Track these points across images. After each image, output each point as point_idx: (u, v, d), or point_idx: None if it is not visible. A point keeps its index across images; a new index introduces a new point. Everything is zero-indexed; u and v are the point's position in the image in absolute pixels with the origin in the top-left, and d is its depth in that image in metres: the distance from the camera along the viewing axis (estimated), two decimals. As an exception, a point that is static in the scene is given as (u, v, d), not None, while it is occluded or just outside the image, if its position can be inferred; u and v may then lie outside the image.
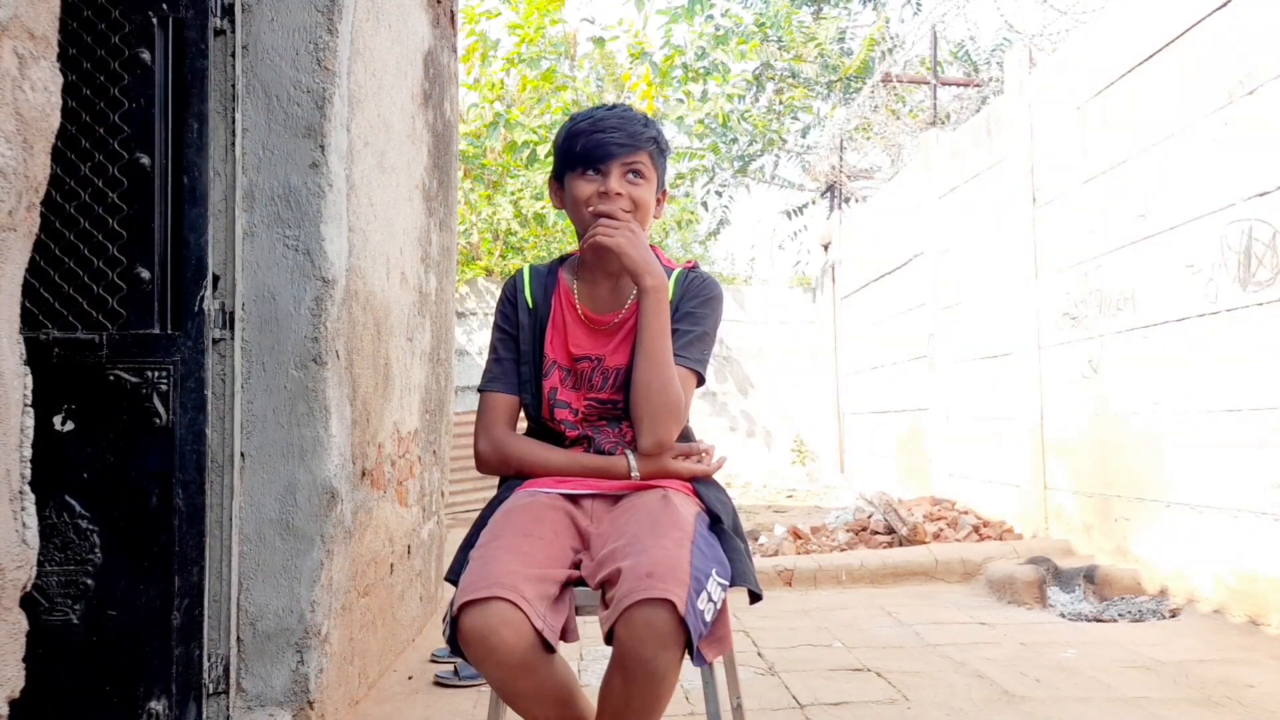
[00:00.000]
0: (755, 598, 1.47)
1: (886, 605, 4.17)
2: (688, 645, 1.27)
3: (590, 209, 1.56)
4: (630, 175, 1.56)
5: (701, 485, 1.61)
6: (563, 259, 1.72)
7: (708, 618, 1.30)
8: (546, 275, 1.68)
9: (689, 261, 1.72)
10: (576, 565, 1.46)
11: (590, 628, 3.69)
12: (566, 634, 1.38)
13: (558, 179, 1.62)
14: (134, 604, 2.09)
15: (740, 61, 11.76)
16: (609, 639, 1.30)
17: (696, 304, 1.63)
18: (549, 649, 1.31)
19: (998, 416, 5.94)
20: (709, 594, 1.33)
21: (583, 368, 1.61)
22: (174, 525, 2.10)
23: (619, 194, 1.55)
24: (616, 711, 1.33)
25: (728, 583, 1.40)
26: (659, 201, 1.64)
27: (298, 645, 2.23)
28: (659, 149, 1.59)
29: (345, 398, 2.43)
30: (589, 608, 1.44)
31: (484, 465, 1.63)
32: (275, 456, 2.25)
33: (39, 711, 1.98)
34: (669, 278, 1.63)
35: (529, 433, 1.66)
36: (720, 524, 1.52)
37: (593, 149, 1.55)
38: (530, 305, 1.65)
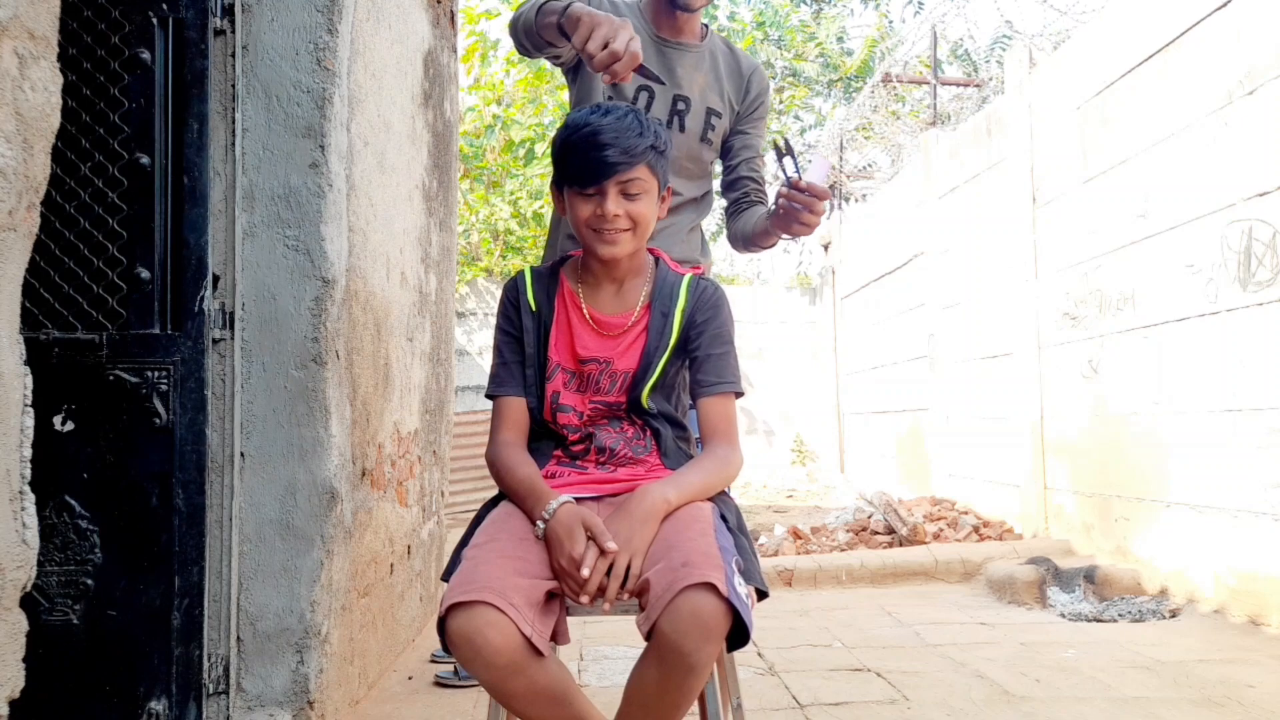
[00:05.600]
0: (761, 595, 1.48)
1: (886, 605, 4.17)
2: (736, 627, 1.28)
3: (590, 228, 1.55)
4: (627, 193, 1.54)
5: None
6: (562, 260, 1.72)
7: (746, 601, 1.32)
8: (548, 277, 1.68)
9: (695, 266, 1.71)
10: None
11: (590, 628, 3.68)
12: (557, 636, 1.38)
13: (557, 187, 1.62)
14: (134, 604, 2.09)
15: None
16: (648, 637, 1.30)
17: (719, 321, 1.63)
18: (539, 653, 1.31)
19: (998, 416, 5.94)
20: (740, 580, 1.35)
21: (590, 370, 1.61)
22: (174, 525, 2.11)
23: (616, 215, 1.53)
24: (647, 704, 1.34)
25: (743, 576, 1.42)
26: (663, 200, 1.63)
27: (298, 645, 2.23)
28: (658, 153, 1.56)
29: (345, 398, 2.43)
30: (584, 609, 1.45)
31: (490, 470, 1.64)
32: (275, 456, 2.25)
33: (39, 711, 1.98)
34: (681, 283, 1.64)
35: (533, 434, 1.65)
36: (726, 523, 1.52)
37: (588, 168, 1.52)
38: (534, 308, 1.64)
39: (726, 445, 1.60)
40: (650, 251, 1.69)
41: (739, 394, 1.65)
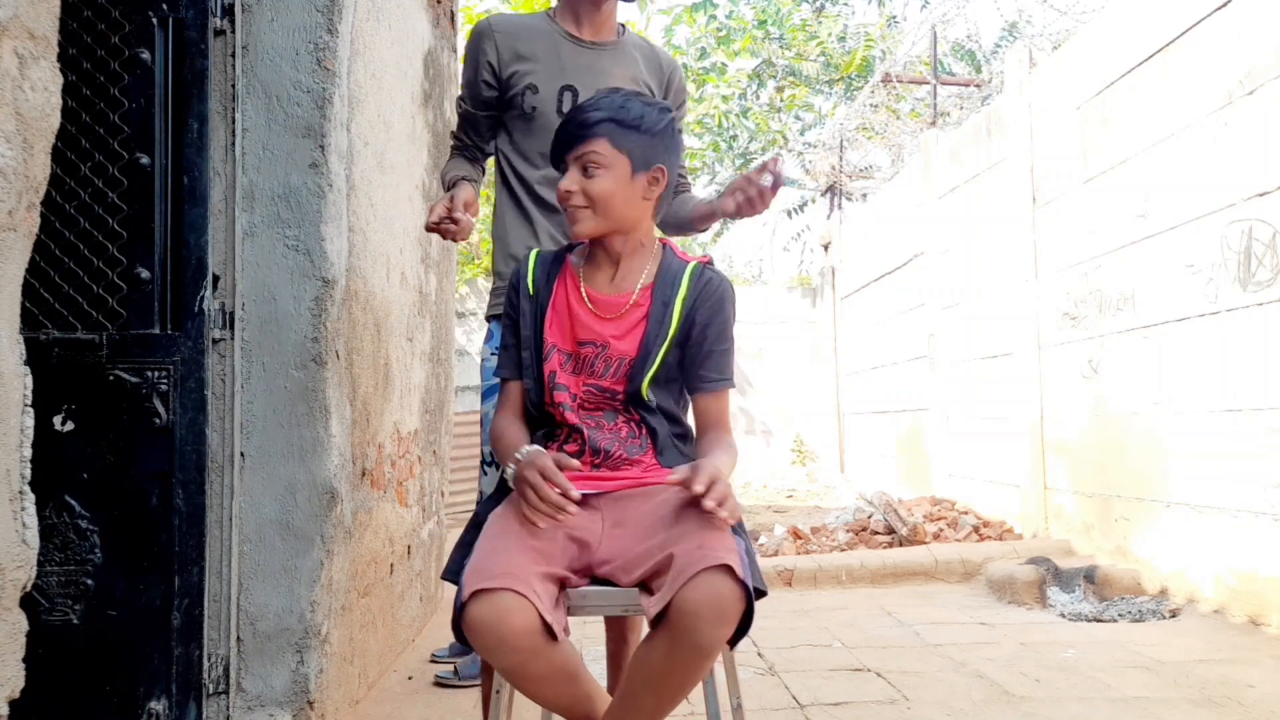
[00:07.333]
0: (760, 594, 1.48)
1: (886, 605, 4.17)
2: (744, 613, 1.29)
3: (561, 206, 1.59)
4: (586, 168, 1.55)
5: None
6: (571, 246, 1.72)
7: (754, 590, 1.34)
8: (552, 261, 1.68)
9: (704, 256, 1.69)
10: (575, 569, 1.46)
11: (589, 628, 3.68)
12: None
13: None
14: (134, 604, 2.09)
15: (734, 60, 11.76)
16: (657, 621, 1.31)
17: (724, 317, 1.62)
18: (554, 637, 1.33)
19: (998, 416, 5.94)
20: (749, 572, 1.36)
21: (586, 353, 1.61)
22: (174, 525, 2.11)
23: (570, 191, 1.56)
24: (652, 683, 1.34)
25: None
26: (654, 180, 1.58)
27: (298, 645, 2.23)
28: (621, 127, 1.54)
29: (345, 398, 2.43)
30: (584, 608, 1.45)
31: (491, 443, 1.69)
32: (275, 456, 2.25)
33: (39, 711, 1.98)
34: (684, 271, 1.62)
35: (529, 420, 1.66)
36: None
37: (553, 149, 1.59)
38: (531, 291, 1.65)
39: (730, 434, 1.64)
40: (661, 241, 1.68)
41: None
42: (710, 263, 1.66)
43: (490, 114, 2.04)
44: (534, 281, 1.65)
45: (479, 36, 2.01)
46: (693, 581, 1.27)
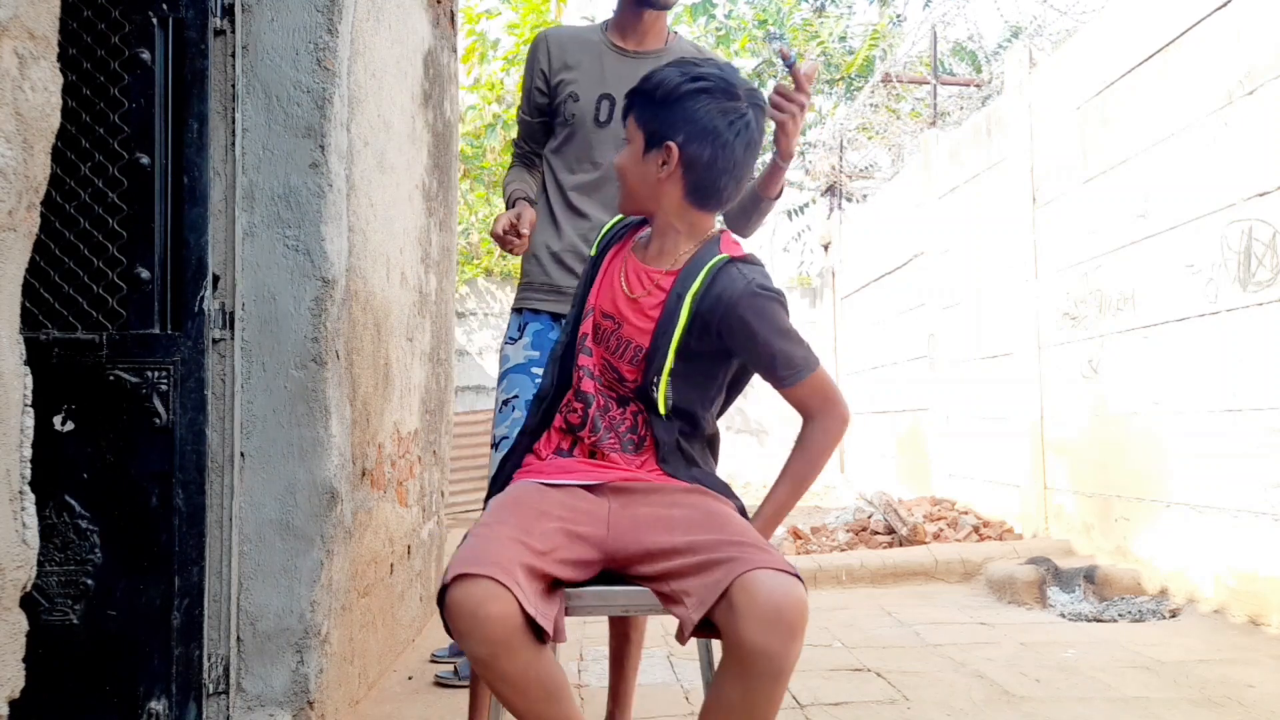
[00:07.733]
0: None
1: (886, 605, 4.17)
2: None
3: None
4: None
5: (713, 488, 1.59)
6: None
7: None
8: (624, 227, 1.68)
9: (745, 254, 1.57)
10: (579, 561, 1.43)
11: (590, 628, 3.67)
12: (556, 634, 1.33)
13: None
14: (134, 604, 2.09)
15: (733, 60, 11.75)
16: (703, 627, 1.27)
17: (759, 318, 1.52)
18: (539, 639, 1.28)
19: (998, 416, 5.94)
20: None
21: (606, 325, 1.58)
22: (174, 525, 2.11)
23: (613, 167, 1.65)
24: None
25: None
26: (666, 159, 1.49)
27: (298, 645, 2.23)
28: (642, 99, 1.52)
29: (345, 398, 2.43)
30: (583, 608, 1.42)
31: None
32: (275, 456, 2.25)
33: (39, 711, 1.98)
34: (708, 263, 1.52)
35: (542, 418, 1.64)
36: None
37: None
38: (593, 252, 1.68)
39: (823, 418, 1.58)
40: (719, 230, 1.62)
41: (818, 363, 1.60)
42: (744, 259, 1.54)
43: (544, 120, 2.16)
44: (600, 243, 1.68)
45: (535, 47, 2.15)
46: (748, 584, 1.23)
